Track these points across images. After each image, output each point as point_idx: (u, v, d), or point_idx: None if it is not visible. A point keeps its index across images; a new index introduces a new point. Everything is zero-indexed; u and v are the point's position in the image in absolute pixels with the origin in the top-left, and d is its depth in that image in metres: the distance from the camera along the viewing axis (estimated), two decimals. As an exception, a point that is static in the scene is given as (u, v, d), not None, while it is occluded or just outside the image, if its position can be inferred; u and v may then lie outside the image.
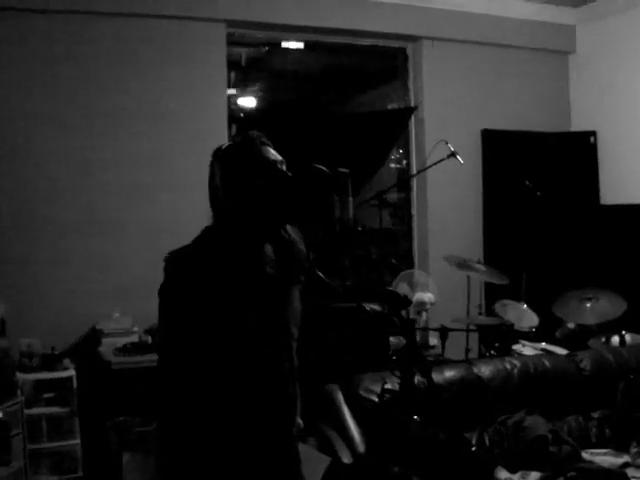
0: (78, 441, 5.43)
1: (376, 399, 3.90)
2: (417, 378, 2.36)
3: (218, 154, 2.48)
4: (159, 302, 2.39)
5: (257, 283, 2.44)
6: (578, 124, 7.98)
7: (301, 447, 2.69)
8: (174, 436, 2.41)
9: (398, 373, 2.32)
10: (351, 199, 2.33)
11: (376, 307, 2.63)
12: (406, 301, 2.31)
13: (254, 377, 2.44)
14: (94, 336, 5.83)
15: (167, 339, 2.43)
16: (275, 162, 2.45)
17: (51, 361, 5.50)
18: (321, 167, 2.37)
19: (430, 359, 5.76)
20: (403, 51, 7.62)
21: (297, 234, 2.55)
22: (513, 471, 3.87)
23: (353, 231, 2.32)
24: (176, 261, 2.40)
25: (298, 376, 2.63)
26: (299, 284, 2.61)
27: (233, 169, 2.44)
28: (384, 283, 2.18)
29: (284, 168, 2.46)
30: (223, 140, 6.18)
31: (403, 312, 2.30)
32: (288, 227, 2.53)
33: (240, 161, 2.44)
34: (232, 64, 7.12)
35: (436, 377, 4.30)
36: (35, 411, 5.36)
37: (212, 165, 2.48)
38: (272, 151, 2.48)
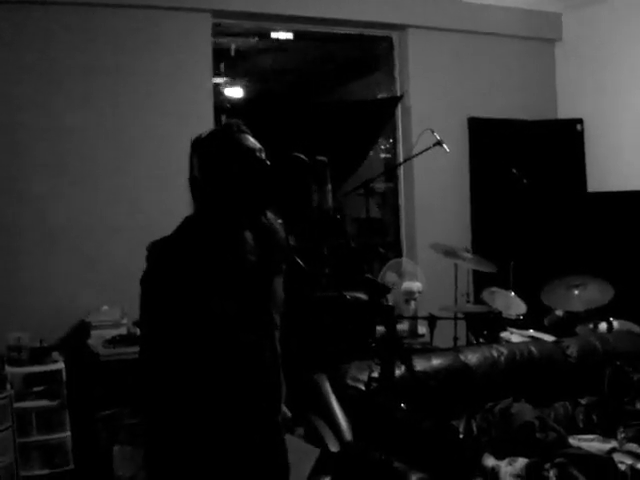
0: (68, 434, 5.42)
1: (363, 388, 3.91)
2: (398, 366, 2.37)
3: (196, 144, 2.50)
4: (140, 291, 2.40)
5: (237, 270, 2.44)
6: (565, 112, 7.99)
7: (290, 439, 2.69)
8: (157, 426, 2.41)
9: (378, 361, 2.32)
10: (330, 187, 2.33)
11: (360, 295, 2.63)
12: (385, 288, 2.32)
13: (235, 365, 2.44)
14: (83, 328, 5.83)
15: (148, 328, 2.43)
16: (253, 150, 2.46)
17: (40, 354, 5.49)
18: (299, 155, 2.38)
19: (418, 347, 5.78)
20: (389, 40, 7.61)
21: (277, 222, 2.56)
22: (500, 457, 3.88)
23: (332, 219, 2.32)
24: (157, 250, 2.40)
25: (283, 365, 2.64)
26: (280, 272, 2.62)
27: (210, 157, 2.46)
28: (363, 271, 2.17)
29: (263, 156, 2.48)
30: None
31: (384, 300, 2.30)
32: (269, 215, 2.54)
33: (217, 149, 2.46)
34: (221, 54, 7.12)
35: (423, 365, 4.33)
36: (25, 404, 5.34)
37: (190, 155, 2.49)
38: (250, 139, 2.49)
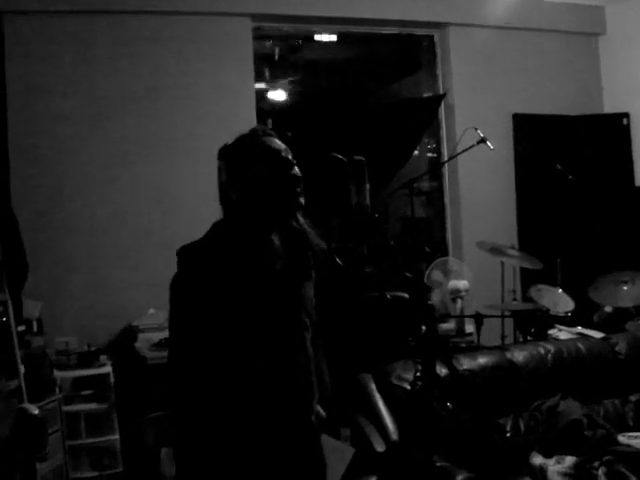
0: (117, 436, 5.48)
1: (408, 387, 3.89)
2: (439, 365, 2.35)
3: (222, 151, 2.55)
4: (170, 295, 2.42)
5: (265, 275, 2.46)
6: (610, 106, 7.89)
7: (325, 439, 2.69)
8: (187, 428, 2.42)
9: (419, 360, 2.31)
10: (368, 186, 2.33)
11: (402, 294, 2.62)
12: (425, 287, 2.31)
13: (265, 368, 2.45)
14: (130, 332, 5.89)
15: (178, 332, 2.46)
16: (278, 150, 2.49)
17: (88, 358, 5.55)
18: (337, 155, 2.38)
19: (463, 346, 5.75)
20: (431, 38, 7.59)
21: (310, 225, 2.57)
22: (548, 456, 3.85)
23: (370, 218, 2.32)
24: (187, 255, 2.43)
25: (329, 365, 2.64)
26: (310, 278, 2.63)
27: (236, 161, 2.50)
28: (403, 270, 2.16)
29: (289, 157, 2.50)
30: (252, 133, 6.25)
31: (424, 298, 2.29)
32: (301, 220, 2.56)
33: (242, 152, 2.51)
34: (265, 58, 7.16)
35: (469, 363, 4.31)
36: (73, 408, 5.41)
37: (218, 162, 2.54)
38: (276, 141, 2.53)
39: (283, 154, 2.48)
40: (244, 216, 2.48)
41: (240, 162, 2.48)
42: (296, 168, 2.46)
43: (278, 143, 2.50)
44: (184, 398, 2.41)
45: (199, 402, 2.40)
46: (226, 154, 2.53)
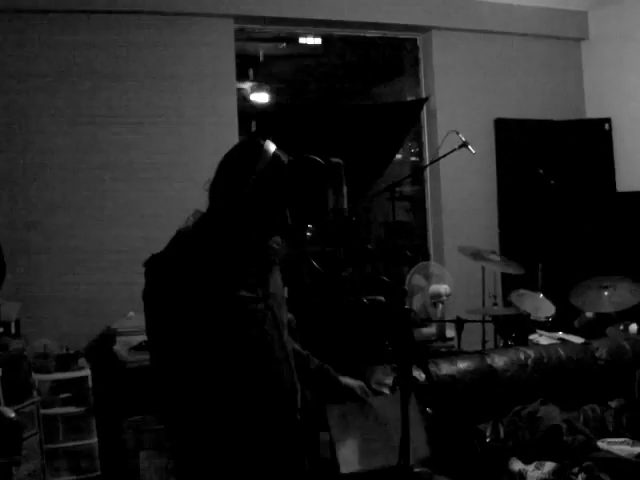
0: (95, 440, 5.46)
1: (388, 392, 3.88)
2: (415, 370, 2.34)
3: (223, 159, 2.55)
4: (144, 307, 2.42)
5: (237, 279, 2.46)
6: (592, 111, 7.92)
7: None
8: (176, 433, 2.45)
9: (395, 365, 2.29)
10: (345, 189, 2.31)
11: (380, 298, 2.60)
12: (401, 291, 2.29)
13: (248, 370, 2.45)
14: (109, 335, 5.85)
15: (157, 343, 2.45)
16: (278, 155, 2.48)
17: (66, 361, 5.51)
18: (314, 157, 2.37)
19: (443, 350, 5.74)
20: (414, 42, 7.59)
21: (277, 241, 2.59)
22: (527, 462, 3.83)
23: (348, 221, 2.30)
24: (158, 266, 2.43)
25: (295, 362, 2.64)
26: (275, 265, 2.64)
27: (231, 165, 2.50)
28: (379, 273, 2.15)
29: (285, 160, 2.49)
30: (234, 136, 6.26)
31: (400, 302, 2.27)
32: (277, 238, 2.58)
33: (237, 157, 2.51)
34: (250, 60, 7.14)
35: (449, 368, 4.30)
36: (51, 411, 5.39)
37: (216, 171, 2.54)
38: (271, 145, 2.50)
39: (282, 158, 2.48)
40: (224, 219, 2.47)
41: (233, 166, 2.48)
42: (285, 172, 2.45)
43: (273, 147, 2.49)
44: (170, 404, 2.42)
45: (184, 406, 2.40)
46: (224, 158, 2.53)
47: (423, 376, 2.45)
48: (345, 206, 2.30)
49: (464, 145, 5.99)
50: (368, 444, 2.86)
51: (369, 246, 2.26)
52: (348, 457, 2.81)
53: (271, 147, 2.48)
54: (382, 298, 2.40)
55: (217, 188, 2.49)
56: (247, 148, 2.51)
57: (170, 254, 2.45)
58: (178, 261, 2.41)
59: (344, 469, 2.76)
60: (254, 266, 2.53)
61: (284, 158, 2.48)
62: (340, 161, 2.34)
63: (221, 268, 2.43)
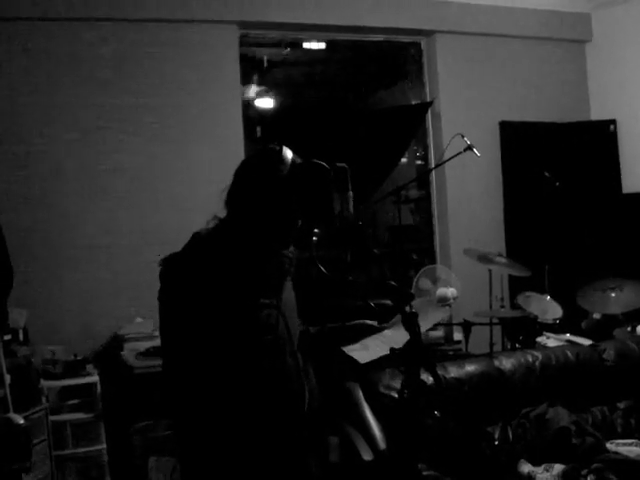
0: (104, 446, 5.44)
1: (396, 395, 3.88)
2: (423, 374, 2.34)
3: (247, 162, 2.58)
4: (159, 308, 2.42)
5: (250, 283, 2.47)
6: (597, 113, 7.91)
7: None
8: (185, 436, 2.46)
9: (402, 369, 2.30)
10: (351, 194, 2.31)
11: (387, 302, 2.61)
12: (409, 295, 2.29)
13: (257, 374, 2.45)
14: (116, 341, 5.86)
15: (170, 344, 2.47)
16: (294, 161, 2.49)
17: (74, 367, 5.51)
18: (319, 162, 2.37)
19: (450, 354, 5.74)
20: (418, 46, 7.59)
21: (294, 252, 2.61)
22: (536, 464, 3.83)
23: (353, 226, 2.31)
24: (172, 267, 2.44)
25: (316, 374, 2.64)
26: (288, 279, 2.65)
27: (251, 172, 2.51)
28: (386, 278, 2.15)
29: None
30: (239, 141, 6.28)
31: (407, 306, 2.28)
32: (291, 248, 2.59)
33: (258, 163, 2.52)
34: (254, 66, 7.16)
35: (457, 371, 4.30)
36: (60, 417, 5.39)
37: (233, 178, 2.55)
38: (288, 152, 2.51)
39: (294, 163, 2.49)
40: (245, 225, 2.48)
41: (259, 176, 2.48)
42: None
43: (290, 153, 2.51)
44: (181, 407, 2.44)
45: (196, 409, 2.42)
46: (241, 166, 2.55)
47: (431, 379, 2.45)
48: (351, 210, 2.30)
49: (469, 148, 5.98)
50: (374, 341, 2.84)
51: (375, 250, 2.26)
52: (360, 354, 2.81)
53: (289, 153, 2.49)
54: (389, 302, 2.40)
55: (237, 195, 2.50)
56: (266, 155, 2.51)
57: (187, 256, 2.47)
58: (195, 263, 2.43)
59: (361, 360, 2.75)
60: (270, 273, 2.54)
61: (299, 162, 2.50)
62: (345, 165, 2.34)
63: (239, 273, 2.44)
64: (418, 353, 2.24)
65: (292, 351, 2.58)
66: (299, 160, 2.50)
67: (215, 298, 2.38)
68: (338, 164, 2.35)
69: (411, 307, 2.21)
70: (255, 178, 2.48)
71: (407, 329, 2.20)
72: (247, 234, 2.47)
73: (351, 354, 2.77)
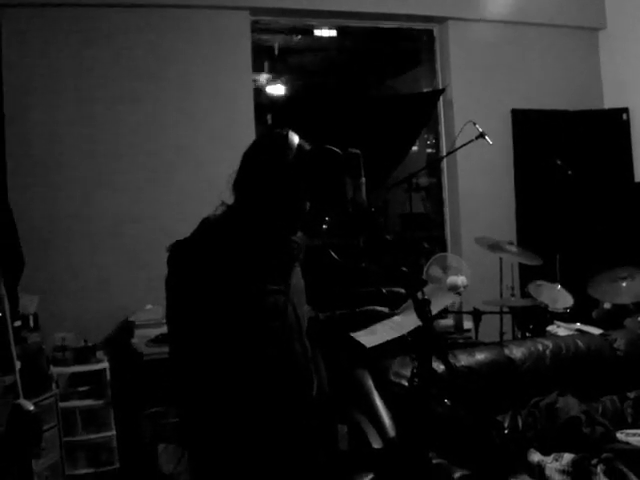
0: (113, 432, 5.47)
1: (406, 383, 3.87)
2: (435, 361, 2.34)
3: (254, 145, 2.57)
4: (166, 294, 2.42)
5: (258, 270, 2.47)
6: (610, 101, 7.87)
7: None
8: (193, 421, 2.46)
9: (414, 356, 2.29)
10: (363, 180, 2.30)
11: (398, 289, 2.60)
12: (421, 282, 2.29)
13: (265, 360, 2.45)
14: (127, 328, 5.87)
15: (176, 330, 2.47)
16: (302, 146, 2.48)
17: (84, 354, 5.53)
18: (332, 148, 2.36)
19: (461, 342, 5.73)
20: (430, 33, 7.56)
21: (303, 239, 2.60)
22: (546, 453, 3.82)
23: (366, 212, 2.29)
24: (180, 252, 2.44)
25: (325, 361, 2.64)
26: (296, 265, 2.65)
27: (257, 157, 2.50)
28: (399, 265, 2.14)
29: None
30: (250, 128, 6.26)
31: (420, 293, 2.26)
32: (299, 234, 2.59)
33: (264, 148, 2.51)
34: (265, 52, 7.15)
35: (467, 360, 4.30)
36: (70, 404, 5.41)
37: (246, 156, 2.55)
38: (295, 137, 2.50)
39: (303, 148, 2.49)
40: (252, 211, 2.48)
41: (265, 161, 2.48)
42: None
43: (297, 139, 2.50)
44: (188, 394, 2.44)
45: (203, 396, 2.42)
46: (247, 150, 2.54)
47: (442, 367, 2.44)
48: (364, 197, 2.29)
49: (481, 136, 5.96)
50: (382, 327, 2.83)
51: (388, 237, 2.25)
52: (366, 339, 2.80)
53: (295, 138, 2.48)
54: (401, 289, 2.39)
55: (244, 180, 2.49)
56: (272, 140, 2.51)
57: (195, 242, 2.47)
58: (203, 249, 2.43)
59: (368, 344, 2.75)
60: (278, 259, 2.54)
61: (307, 148, 2.49)
62: (358, 152, 2.33)
63: (247, 259, 2.44)
64: (430, 341, 2.23)
65: (300, 337, 2.58)
66: (307, 145, 2.49)
67: (222, 284, 2.38)
68: (351, 150, 2.34)
69: (423, 294, 2.20)
70: (261, 163, 2.47)
71: (419, 316, 2.19)
72: (253, 220, 2.47)
73: (357, 338, 2.76)
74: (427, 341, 2.24)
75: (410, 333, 2.43)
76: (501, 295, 6.23)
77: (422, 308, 2.19)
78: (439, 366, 2.39)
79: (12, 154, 5.77)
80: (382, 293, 2.61)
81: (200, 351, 2.40)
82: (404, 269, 2.20)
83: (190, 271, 2.40)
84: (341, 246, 2.41)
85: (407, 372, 3.84)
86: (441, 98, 7.38)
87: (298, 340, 2.56)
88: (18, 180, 5.75)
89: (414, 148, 7.80)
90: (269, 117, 7.18)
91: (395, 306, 2.79)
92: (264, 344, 2.44)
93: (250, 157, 2.51)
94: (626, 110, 7.64)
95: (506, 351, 4.45)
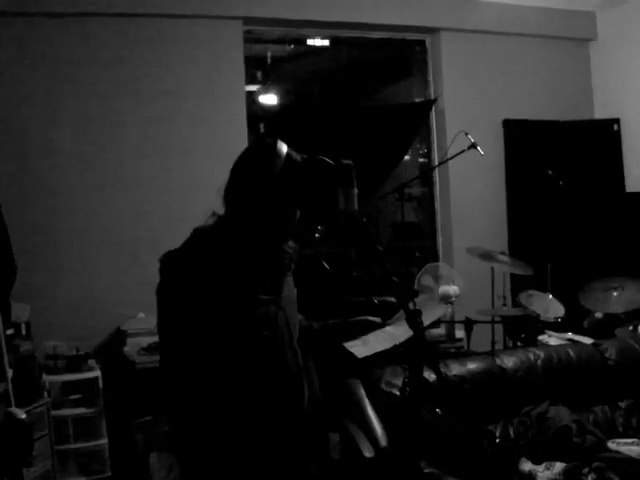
0: (105, 441, 5.46)
1: (397, 393, 3.88)
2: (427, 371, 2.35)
3: (242, 156, 2.56)
4: (157, 303, 2.44)
5: (250, 279, 2.48)
6: (601, 112, 7.90)
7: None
8: (182, 433, 2.45)
9: (406, 366, 2.30)
10: (356, 190, 2.31)
11: (389, 299, 2.61)
12: (413, 292, 2.30)
13: (256, 369, 2.46)
14: (119, 336, 5.86)
15: (167, 340, 2.48)
16: (290, 155, 2.48)
17: (77, 362, 5.52)
18: (324, 158, 2.37)
19: (452, 351, 5.74)
20: (422, 43, 7.59)
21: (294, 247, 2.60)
22: (537, 462, 3.83)
23: (358, 222, 2.31)
24: (172, 263, 2.45)
25: (317, 370, 2.64)
26: (289, 275, 2.65)
27: (245, 163, 2.51)
28: (390, 274, 2.15)
29: (298, 158, 2.50)
30: (242, 138, 6.27)
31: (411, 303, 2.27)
32: (291, 243, 2.59)
33: (252, 158, 2.51)
34: (258, 62, 7.16)
35: (459, 369, 4.31)
36: (62, 412, 5.40)
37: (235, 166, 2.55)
38: (285, 147, 2.50)
39: (294, 156, 2.50)
40: (242, 221, 2.48)
41: (247, 165, 2.50)
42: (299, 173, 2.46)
43: (287, 149, 2.51)
44: (179, 402, 2.43)
45: (194, 404, 2.42)
46: (237, 159, 2.55)
47: (433, 376, 2.45)
48: (356, 207, 2.30)
49: (473, 146, 5.98)
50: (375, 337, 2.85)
51: (379, 247, 2.26)
52: (358, 349, 2.81)
53: (284, 148, 2.49)
54: (392, 299, 2.40)
55: (232, 191, 2.50)
56: (260, 150, 2.52)
57: (187, 251, 2.48)
58: (195, 258, 2.44)
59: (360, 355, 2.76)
60: (270, 268, 2.54)
61: (297, 157, 2.50)
62: (351, 162, 2.34)
63: (238, 269, 2.44)
64: (422, 350, 2.25)
65: (292, 347, 2.59)
66: (295, 154, 2.50)
67: (214, 294, 2.39)
68: (344, 161, 2.35)
69: (415, 304, 2.21)
70: (249, 173, 2.48)
71: (411, 326, 2.20)
72: (243, 230, 2.48)
73: (350, 349, 2.77)
74: (419, 351, 2.25)
75: (402, 343, 2.44)
76: (493, 304, 6.24)
77: (413, 318, 2.20)
78: (430, 375, 2.41)
79: (5, 162, 5.79)
80: (374, 303, 2.62)
81: (191, 360, 2.40)
82: (395, 279, 2.22)
83: (182, 281, 2.41)
84: (333, 255, 2.41)
85: (399, 381, 3.85)
86: (433, 108, 7.41)
87: (290, 349, 2.57)
88: (11, 188, 5.75)
89: (406, 157, 7.81)
90: (262, 126, 7.18)
91: (387, 316, 2.81)
92: (255, 353, 2.45)
93: (239, 167, 2.52)
94: (617, 121, 7.68)
95: (498, 360, 4.46)
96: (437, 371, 2.30)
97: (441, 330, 6.27)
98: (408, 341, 2.31)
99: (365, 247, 2.25)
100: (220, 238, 2.48)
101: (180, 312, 2.41)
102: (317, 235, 2.43)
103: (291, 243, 2.60)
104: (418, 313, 2.19)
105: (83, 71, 6.09)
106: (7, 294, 5.20)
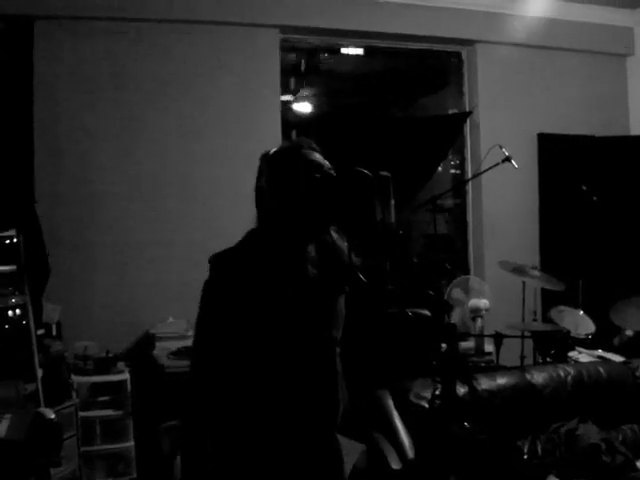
0: (132, 443, 5.48)
1: (426, 405, 3.87)
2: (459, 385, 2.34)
3: (266, 157, 2.53)
4: (201, 298, 2.43)
5: (298, 286, 2.46)
6: (638, 128, 7.84)
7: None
8: (198, 438, 2.45)
9: (439, 379, 2.29)
10: (393, 202, 2.31)
11: (423, 312, 2.60)
12: (447, 305, 2.29)
13: (292, 382, 2.44)
14: (148, 340, 5.89)
15: (203, 337, 2.45)
16: (322, 166, 2.47)
17: (106, 364, 5.55)
18: (362, 170, 2.37)
19: (482, 365, 5.71)
20: (458, 55, 7.58)
21: (342, 241, 2.55)
22: (566, 480, 3.82)
23: (395, 235, 2.30)
24: (220, 262, 2.43)
25: (345, 381, 2.63)
26: (343, 291, 2.62)
27: (279, 170, 2.49)
28: (425, 287, 2.15)
29: (331, 172, 2.48)
30: (277, 145, 6.26)
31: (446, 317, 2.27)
32: (334, 234, 2.55)
33: (287, 162, 2.49)
34: (292, 70, 7.17)
35: (488, 384, 4.28)
36: (90, 414, 5.41)
37: (260, 167, 2.53)
38: (318, 156, 2.50)
39: (325, 169, 2.47)
40: (280, 224, 2.48)
41: (283, 172, 2.48)
42: (335, 184, 2.45)
43: (321, 158, 2.51)
44: (200, 407, 2.43)
45: (216, 412, 2.40)
46: (269, 161, 2.53)
47: (462, 390, 2.44)
48: (393, 219, 2.30)
49: (507, 159, 5.95)
50: None
51: (415, 260, 2.26)
52: None
53: (315, 156, 2.49)
54: (427, 312, 2.39)
55: (261, 197, 2.51)
56: (293, 157, 2.51)
57: (235, 252, 2.47)
58: (241, 260, 2.44)
59: None
60: (321, 288, 2.52)
61: (327, 170, 2.48)
62: (388, 174, 2.34)
63: (287, 281, 2.44)
64: (454, 364, 2.24)
65: (331, 362, 2.56)
66: (323, 160, 2.50)
67: (258, 296, 2.39)
68: (381, 172, 2.35)
69: (449, 318, 2.20)
70: (278, 182, 2.48)
71: (444, 340, 2.20)
72: (280, 237, 2.48)
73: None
74: (451, 364, 2.25)
75: (434, 356, 2.44)
76: (523, 319, 6.21)
77: (447, 332, 2.20)
78: (459, 389, 2.40)
79: (41, 165, 5.84)
80: (407, 315, 2.61)
81: (225, 365, 2.39)
82: (430, 292, 2.21)
83: (229, 283, 2.40)
84: (367, 267, 2.41)
85: (428, 394, 3.84)
86: (467, 120, 7.39)
87: (331, 365, 2.55)
88: (46, 190, 5.80)
89: (439, 169, 7.80)
90: (294, 134, 7.19)
91: (420, 328, 2.80)
92: (294, 366, 2.44)
93: (267, 173, 2.51)
94: (653, 137, 7.63)
95: (527, 376, 4.44)
96: (470, 385, 2.29)
97: (470, 343, 6.24)
98: (441, 354, 2.30)
99: (400, 259, 2.25)
100: (265, 240, 2.48)
101: (221, 312, 2.40)
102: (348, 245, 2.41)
103: (354, 258, 2.57)
104: (453, 327, 2.19)
105: (118, 76, 6.13)
106: (39, 294, 5.25)
